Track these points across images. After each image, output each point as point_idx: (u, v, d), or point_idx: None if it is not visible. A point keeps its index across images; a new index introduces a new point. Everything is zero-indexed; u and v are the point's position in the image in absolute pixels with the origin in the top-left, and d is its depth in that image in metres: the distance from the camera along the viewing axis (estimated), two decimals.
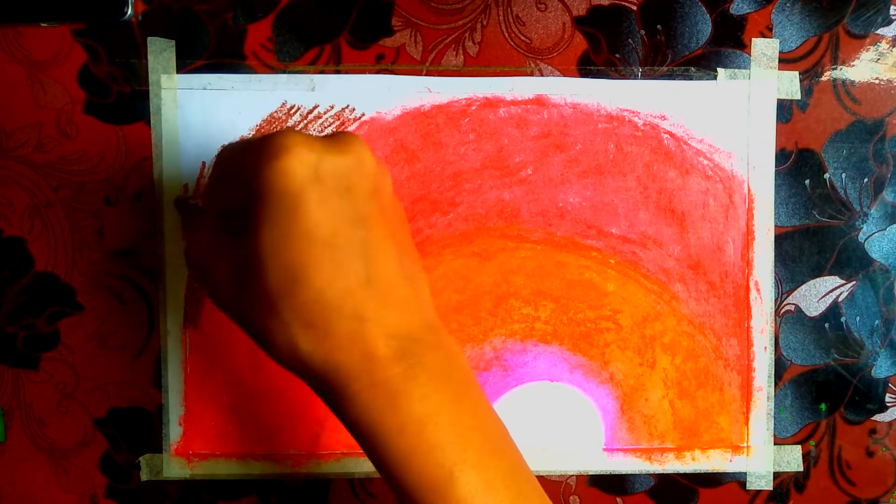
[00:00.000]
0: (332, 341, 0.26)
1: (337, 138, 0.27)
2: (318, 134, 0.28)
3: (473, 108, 0.39)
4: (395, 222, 0.29)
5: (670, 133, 0.39)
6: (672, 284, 0.40)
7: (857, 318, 0.41)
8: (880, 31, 0.40)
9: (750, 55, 0.39)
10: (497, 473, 0.27)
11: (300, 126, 0.39)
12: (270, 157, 0.25)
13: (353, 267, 0.26)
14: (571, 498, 0.41)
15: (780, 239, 0.40)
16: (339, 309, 0.26)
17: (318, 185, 0.25)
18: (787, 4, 0.39)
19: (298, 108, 0.39)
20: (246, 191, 0.26)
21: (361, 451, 0.40)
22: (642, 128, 0.39)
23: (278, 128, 0.39)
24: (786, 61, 0.40)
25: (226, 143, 0.31)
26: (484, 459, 0.27)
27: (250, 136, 0.28)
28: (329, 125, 0.39)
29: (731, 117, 0.40)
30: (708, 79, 0.39)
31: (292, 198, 0.25)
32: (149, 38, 0.38)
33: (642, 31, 0.39)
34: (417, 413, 0.26)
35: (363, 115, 0.39)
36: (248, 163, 0.26)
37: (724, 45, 0.39)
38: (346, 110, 0.39)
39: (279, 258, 0.25)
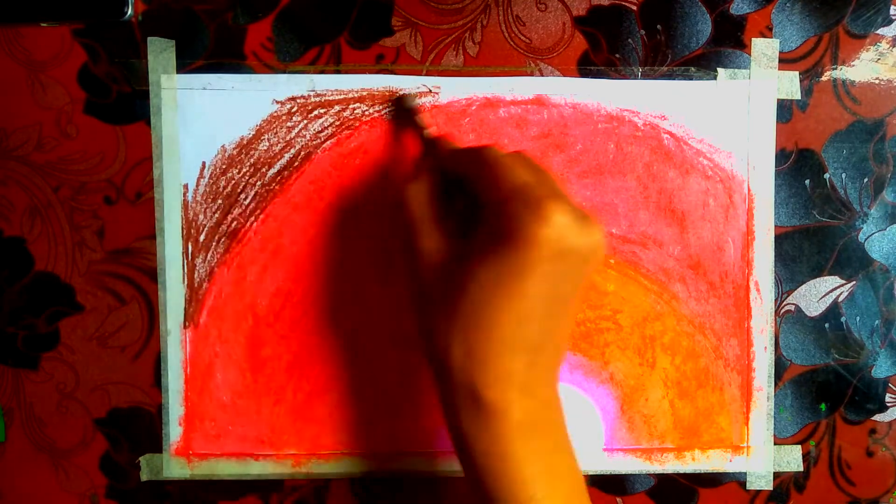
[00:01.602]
0: (478, 375, 0.30)
1: (587, 222, 0.29)
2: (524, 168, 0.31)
3: (473, 108, 0.39)
4: (579, 303, 0.33)
5: (670, 133, 0.39)
6: (672, 284, 0.40)
7: (857, 318, 0.41)
8: (880, 31, 0.40)
9: (750, 55, 0.39)
10: None
11: (300, 126, 0.39)
12: (530, 223, 0.28)
13: (531, 334, 0.30)
14: None
15: (780, 239, 0.40)
16: (498, 361, 0.30)
17: (552, 263, 0.29)
18: (787, 4, 0.39)
19: (298, 108, 0.39)
20: (494, 214, 0.30)
21: (361, 451, 0.40)
22: (642, 128, 0.39)
23: (279, 127, 0.39)
24: (786, 61, 0.40)
25: (490, 150, 0.32)
26: (567, 498, 0.31)
27: (523, 170, 0.31)
28: (329, 125, 0.39)
29: (731, 117, 0.40)
30: (708, 79, 0.39)
31: (526, 264, 0.28)
32: (149, 38, 0.38)
33: (642, 31, 0.39)
34: (522, 452, 0.30)
35: (363, 114, 0.39)
36: (506, 207, 0.29)
37: (724, 45, 0.39)
38: (347, 110, 0.39)
39: (481, 299, 0.29)
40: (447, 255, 0.32)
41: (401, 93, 0.39)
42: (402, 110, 0.38)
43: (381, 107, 0.39)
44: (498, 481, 0.30)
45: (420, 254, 0.32)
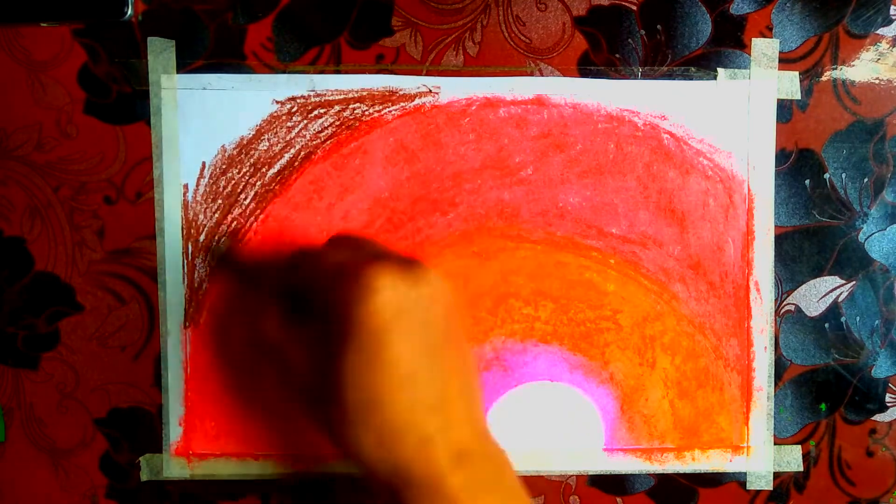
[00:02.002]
0: (398, 457, 0.29)
1: (414, 271, 0.30)
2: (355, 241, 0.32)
3: (473, 108, 0.39)
4: (461, 339, 0.32)
5: (670, 133, 0.39)
6: (672, 284, 0.40)
7: (857, 318, 0.41)
8: (880, 31, 0.40)
9: (750, 55, 0.39)
10: None
11: (300, 126, 0.39)
12: (359, 299, 0.28)
13: (425, 394, 0.29)
14: (571, 498, 0.41)
15: (780, 239, 0.40)
16: (409, 432, 0.29)
17: (400, 322, 0.29)
18: (787, 4, 0.39)
19: (298, 108, 0.39)
20: (327, 309, 0.30)
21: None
22: (642, 128, 0.39)
23: (279, 127, 0.39)
24: (786, 61, 0.40)
25: (304, 251, 0.33)
26: None
27: (331, 250, 0.32)
28: (329, 125, 0.39)
29: (731, 117, 0.40)
30: (708, 79, 0.39)
31: (377, 336, 0.28)
32: (149, 38, 0.38)
33: (642, 31, 0.39)
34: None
35: (363, 114, 0.39)
36: (335, 294, 0.29)
37: (724, 45, 0.39)
38: (347, 110, 0.39)
39: (360, 385, 0.29)
40: (315, 368, 0.31)
41: (215, 243, 0.39)
42: (218, 258, 0.38)
43: (380, 106, 0.39)
44: None
45: (290, 375, 0.32)
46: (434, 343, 0.30)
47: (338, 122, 0.39)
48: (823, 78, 0.40)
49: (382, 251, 0.31)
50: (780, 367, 0.41)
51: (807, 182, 0.40)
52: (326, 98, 0.39)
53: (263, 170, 0.39)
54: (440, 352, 0.30)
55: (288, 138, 0.39)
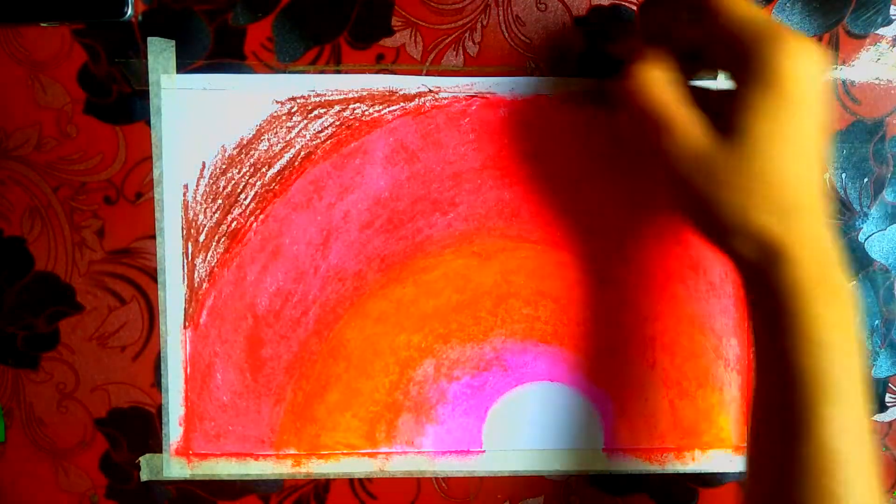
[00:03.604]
0: (792, 233, 0.29)
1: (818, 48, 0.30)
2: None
3: (473, 108, 0.39)
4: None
5: None
6: (672, 284, 0.40)
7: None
8: (880, 31, 0.40)
9: None
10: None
11: (300, 126, 0.39)
12: (793, 54, 0.28)
13: (819, 170, 0.30)
14: (571, 498, 0.41)
15: None
16: (805, 204, 0.30)
17: (814, 95, 0.29)
18: (787, 4, 0.39)
19: (298, 108, 0.39)
20: (733, 66, 0.30)
21: (361, 450, 0.40)
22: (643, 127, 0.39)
23: (279, 127, 0.39)
24: None
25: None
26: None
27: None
28: (329, 125, 0.39)
29: None
30: (708, 78, 0.39)
31: (792, 104, 0.29)
32: (149, 38, 0.38)
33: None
34: (852, 312, 0.30)
35: (363, 114, 0.39)
36: (745, 50, 0.29)
37: None
38: (347, 110, 0.39)
39: (766, 150, 0.29)
40: (706, 128, 0.31)
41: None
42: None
43: (381, 106, 0.39)
44: (820, 350, 0.29)
45: (675, 132, 0.31)
46: (822, 123, 0.30)
47: (338, 122, 0.39)
48: None
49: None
50: None
51: None
52: (326, 98, 0.39)
53: (263, 170, 0.39)
54: (823, 134, 0.30)
55: (288, 138, 0.39)
